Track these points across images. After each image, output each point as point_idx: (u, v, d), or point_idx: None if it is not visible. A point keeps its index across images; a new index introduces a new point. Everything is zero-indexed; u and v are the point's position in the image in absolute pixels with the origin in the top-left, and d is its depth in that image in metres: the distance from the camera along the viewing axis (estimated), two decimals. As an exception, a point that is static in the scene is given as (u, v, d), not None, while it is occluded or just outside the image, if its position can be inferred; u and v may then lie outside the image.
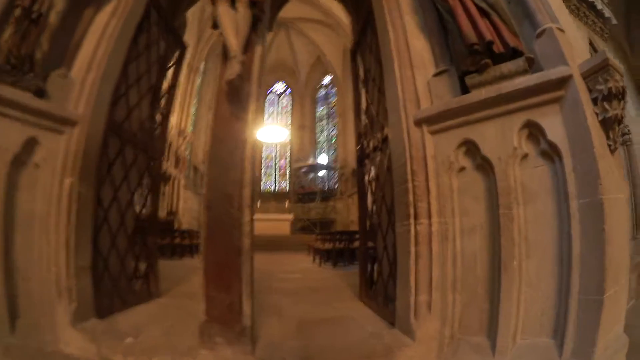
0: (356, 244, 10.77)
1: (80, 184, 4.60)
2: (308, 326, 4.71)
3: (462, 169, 4.09)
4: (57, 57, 4.72)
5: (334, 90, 34.54)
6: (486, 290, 3.81)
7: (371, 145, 6.04)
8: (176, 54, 7.41)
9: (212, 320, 3.92)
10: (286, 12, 28.68)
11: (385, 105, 5.09)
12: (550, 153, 3.49)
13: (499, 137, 3.75)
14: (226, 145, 4.37)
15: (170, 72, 7.33)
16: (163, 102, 7.03)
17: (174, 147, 23.48)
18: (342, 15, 25.97)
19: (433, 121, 4.28)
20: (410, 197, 4.26)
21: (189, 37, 24.90)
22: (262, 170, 36.36)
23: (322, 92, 36.32)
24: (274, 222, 24.20)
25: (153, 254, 6.42)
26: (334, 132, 34.03)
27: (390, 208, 5.07)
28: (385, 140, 5.33)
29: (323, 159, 33.22)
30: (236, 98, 4.47)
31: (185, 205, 26.23)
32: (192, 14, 24.68)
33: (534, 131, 3.61)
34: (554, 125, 3.43)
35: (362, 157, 6.70)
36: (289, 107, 37.82)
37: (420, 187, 4.22)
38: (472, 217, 3.98)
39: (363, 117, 6.72)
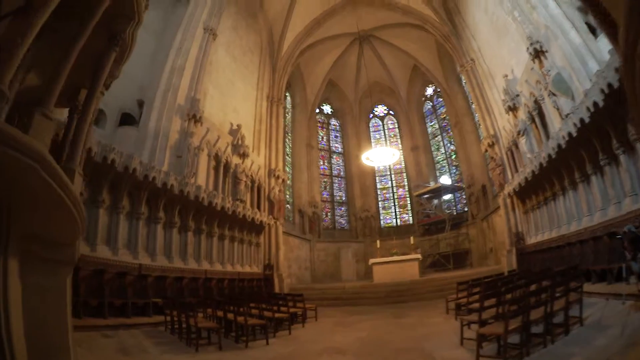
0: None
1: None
2: None
3: None
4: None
5: (440, 100, 31.27)
6: None
7: None
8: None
9: None
10: (365, 23, 26.63)
11: None
12: None
13: None
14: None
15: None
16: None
17: (264, 190, 20.95)
18: (421, 6, 23.60)
19: None
20: None
21: (263, 67, 23.01)
22: (380, 204, 32.90)
23: (428, 105, 32.92)
24: (399, 265, 19.94)
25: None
26: (452, 147, 30.15)
27: None
28: None
29: (445, 180, 28.98)
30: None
31: (291, 255, 23.68)
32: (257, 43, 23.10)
33: None
34: None
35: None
36: (396, 130, 34.60)
37: None
38: None
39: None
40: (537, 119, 14.19)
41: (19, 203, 3.78)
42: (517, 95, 16.21)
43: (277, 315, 10.21)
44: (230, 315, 9.20)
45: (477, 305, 7.84)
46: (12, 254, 3.83)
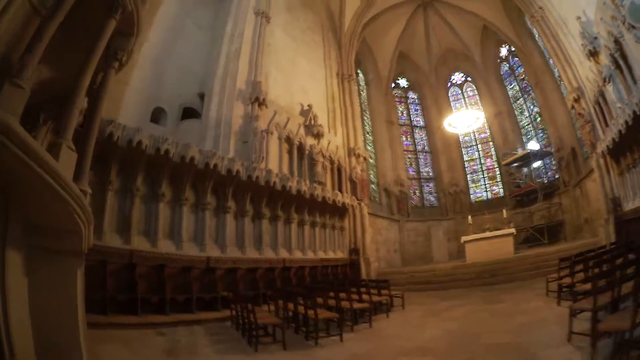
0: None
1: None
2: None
3: None
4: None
5: (516, 60, 29.17)
6: None
7: None
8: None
9: None
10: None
11: None
12: None
13: None
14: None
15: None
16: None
17: (345, 171, 20.11)
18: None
19: None
20: None
21: (328, 44, 22.45)
22: (468, 177, 31.17)
23: (505, 67, 30.73)
24: (492, 242, 18.47)
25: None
26: (535, 109, 27.84)
27: None
28: None
29: (533, 145, 26.56)
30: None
31: (379, 237, 22.86)
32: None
33: None
34: None
35: None
36: (477, 97, 32.58)
37: None
38: None
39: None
40: (620, 61, 12.24)
41: (12, 188, 3.47)
42: (596, 38, 14.30)
43: (355, 306, 9.29)
44: (300, 308, 8.43)
45: (583, 286, 6.59)
46: (12, 244, 3.58)
